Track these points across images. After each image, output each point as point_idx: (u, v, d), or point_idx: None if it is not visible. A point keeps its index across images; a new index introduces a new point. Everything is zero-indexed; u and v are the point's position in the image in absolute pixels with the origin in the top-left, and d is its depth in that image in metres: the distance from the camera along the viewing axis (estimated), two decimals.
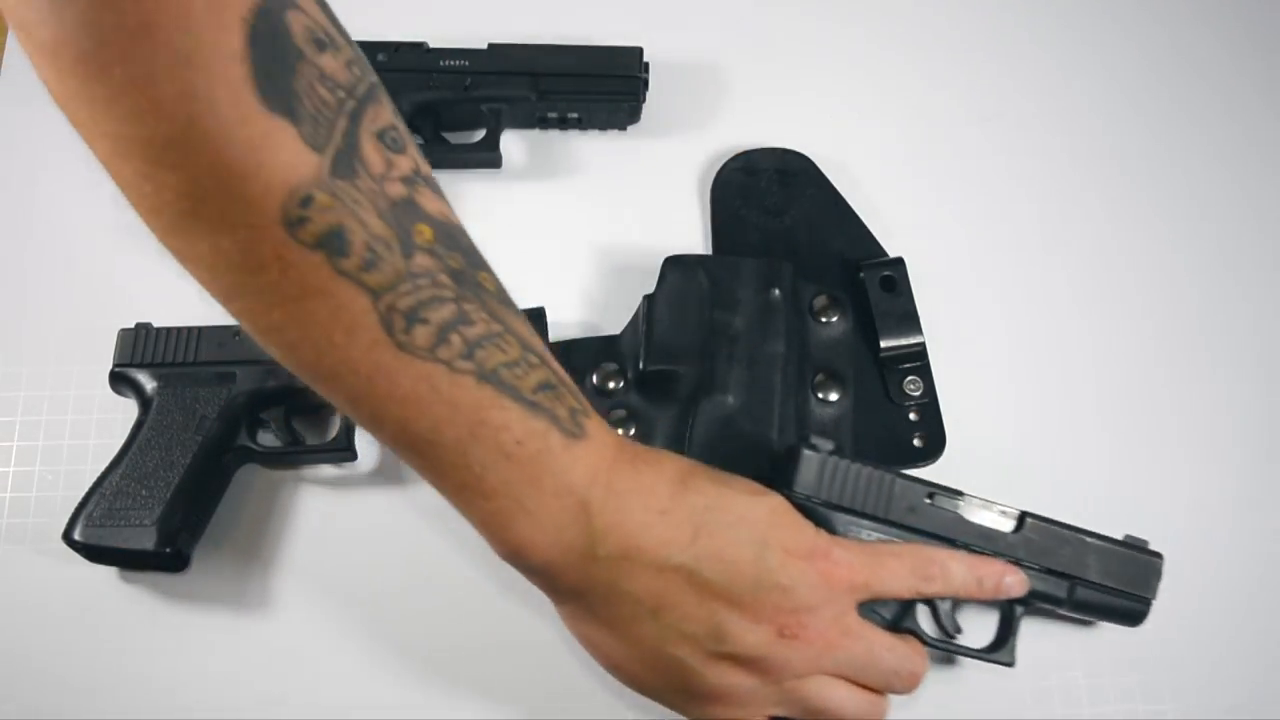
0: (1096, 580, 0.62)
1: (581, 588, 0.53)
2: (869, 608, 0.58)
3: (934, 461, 0.69)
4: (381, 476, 0.69)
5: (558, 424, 0.51)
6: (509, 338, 0.50)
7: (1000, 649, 0.62)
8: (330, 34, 0.46)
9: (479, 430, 0.49)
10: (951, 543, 0.61)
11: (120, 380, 0.67)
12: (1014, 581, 0.60)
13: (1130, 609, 0.63)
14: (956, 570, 0.59)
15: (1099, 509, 0.66)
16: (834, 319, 0.71)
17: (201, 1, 0.41)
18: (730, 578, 0.53)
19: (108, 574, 0.66)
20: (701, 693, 0.55)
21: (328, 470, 0.69)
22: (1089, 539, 0.63)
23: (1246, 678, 0.66)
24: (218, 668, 0.64)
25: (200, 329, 0.68)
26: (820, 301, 0.71)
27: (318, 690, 0.64)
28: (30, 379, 0.71)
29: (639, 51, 0.76)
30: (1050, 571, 0.62)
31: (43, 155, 0.77)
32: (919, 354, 0.71)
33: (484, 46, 0.76)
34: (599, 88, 0.76)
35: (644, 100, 0.77)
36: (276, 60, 0.43)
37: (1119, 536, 0.64)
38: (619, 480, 0.52)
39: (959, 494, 0.62)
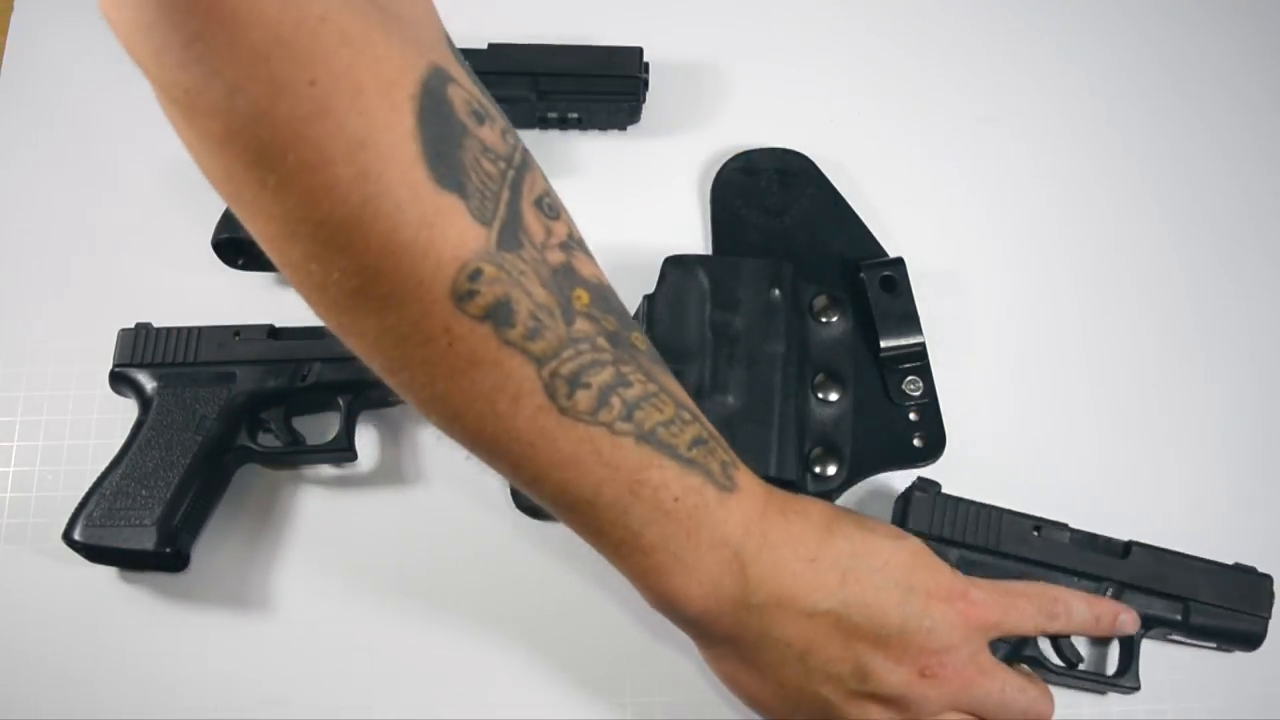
0: (1210, 601, 0.63)
1: (733, 634, 0.54)
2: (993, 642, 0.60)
3: (934, 461, 0.69)
4: (381, 476, 0.69)
5: (711, 478, 0.52)
6: (664, 397, 0.51)
7: (1124, 674, 0.63)
8: (485, 106, 0.47)
9: (638, 489, 0.50)
10: (1063, 570, 0.63)
11: (120, 380, 0.67)
12: (1128, 619, 0.62)
13: (1247, 630, 0.63)
14: (1078, 608, 0.60)
15: (1099, 509, 0.66)
16: (834, 319, 0.71)
17: (373, 83, 0.41)
18: (876, 621, 0.54)
19: (108, 574, 0.66)
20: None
21: (328, 470, 0.69)
22: (1196, 562, 0.64)
23: (1246, 678, 0.65)
24: (218, 668, 0.64)
25: (200, 329, 0.68)
26: (820, 301, 0.71)
27: (318, 690, 0.64)
28: (30, 379, 0.71)
29: (639, 51, 0.76)
30: (1163, 595, 0.63)
31: (43, 155, 0.77)
32: (919, 354, 0.71)
33: (484, 46, 0.76)
34: (599, 88, 0.76)
35: (644, 100, 0.77)
36: (444, 137, 0.43)
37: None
38: (771, 531, 0.54)
39: (1064, 526, 0.64)
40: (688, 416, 0.52)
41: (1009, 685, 0.58)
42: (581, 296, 0.49)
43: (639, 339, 0.52)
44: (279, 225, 0.43)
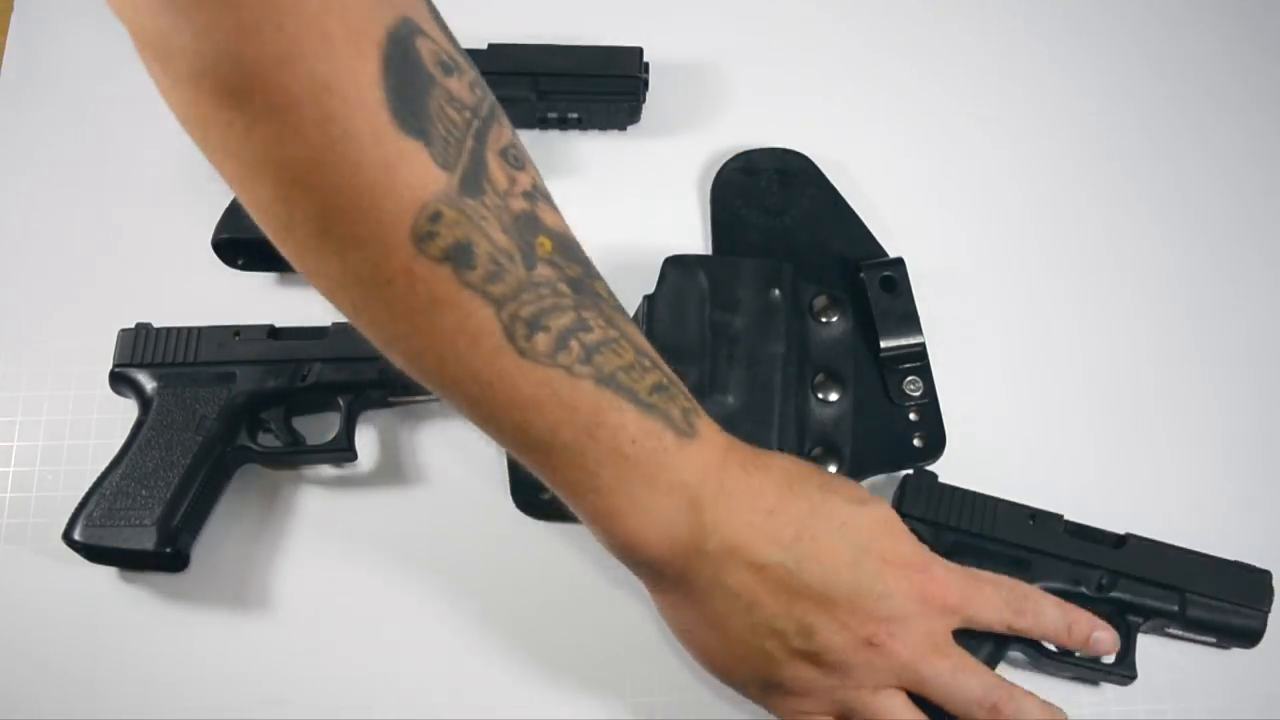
0: (1207, 593, 0.63)
1: (684, 580, 0.54)
2: (969, 639, 0.59)
3: (934, 461, 0.69)
4: (381, 476, 0.69)
5: (671, 424, 0.52)
6: (624, 343, 0.52)
7: (1121, 663, 0.63)
8: (455, 58, 0.48)
9: (596, 431, 0.50)
10: (1056, 557, 0.63)
11: (120, 380, 0.67)
12: (1105, 638, 0.60)
13: (1246, 625, 0.63)
14: (1049, 611, 0.60)
15: (1098, 508, 0.66)
16: (834, 319, 0.71)
17: (340, 30, 0.42)
18: (826, 580, 0.54)
19: (108, 574, 0.66)
20: (777, 684, 0.56)
21: (328, 470, 0.69)
22: (1194, 555, 0.64)
23: (1246, 678, 0.65)
24: (218, 668, 0.64)
25: (200, 329, 0.68)
26: (820, 301, 0.71)
27: (318, 690, 0.64)
28: (30, 379, 0.71)
29: (639, 51, 0.76)
30: (1159, 585, 0.63)
31: (43, 155, 0.77)
32: (919, 354, 0.71)
33: (484, 46, 0.76)
34: (599, 88, 0.76)
35: (644, 100, 0.77)
36: (409, 85, 0.44)
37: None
38: (729, 480, 0.54)
39: (1059, 517, 0.65)
40: (648, 363, 0.53)
41: (963, 669, 0.56)
42: (544, 244, 0.49)
43: (601, 287, 0.52)
44: (247, 166, 0.45)
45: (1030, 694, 0.58)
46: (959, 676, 0.56)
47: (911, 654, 0.55)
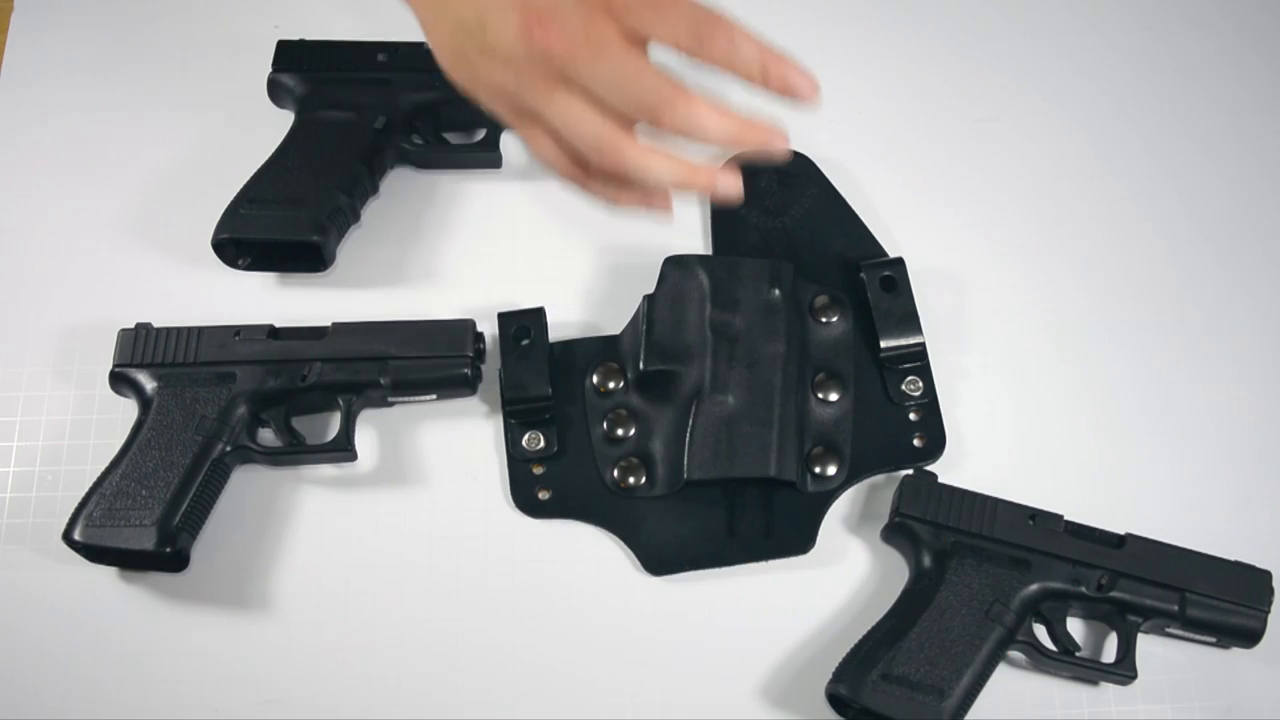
0: (1207, 593, 0.63)
1: None
2: (984, 612, 0.61)
3: (934, 461, 0.69)
4: (381, 476, 0.69)
5: None
6: None
7: (1121, 663, 0.63)
8: None
9: None
10: (1057, 557, 0.63)
11: (120, 380, 0.67)
12: (802, 82, 0.58)
13: (1246, 625, 0.63)
14: (744, 45, 0.57)
15: (1099, 508, 0.66)
16: (834, 319, 0.71)
17: None
18: None
19: (108, 574, 0.66)
20: (483, 88, 0.58)
21: (328, 470, 0.69)
22: (1194, 555, 0.64)
23: (1246, 678, 0.65)
24: (218, 668, 0.64)
25: (200, 329, 0.68)
26: (820, 301, 0.71)
27: (318, 690, 0.64)
28: (30, 379, 0.71)
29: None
30: (1159, 584, 0.63)
31: (43, 155, 0.77)
32: (919, 354, 0.71)
33: None
34: None
35: None
36: None
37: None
38: None
39: (1059, 517, 0.65)
40: None
41: (628, 64, 0.54)
42: None
43: None
44: None
45: (706, 100, 0.56)
46: (620, 75, 0.55)
47: (566, 47, 0.54)
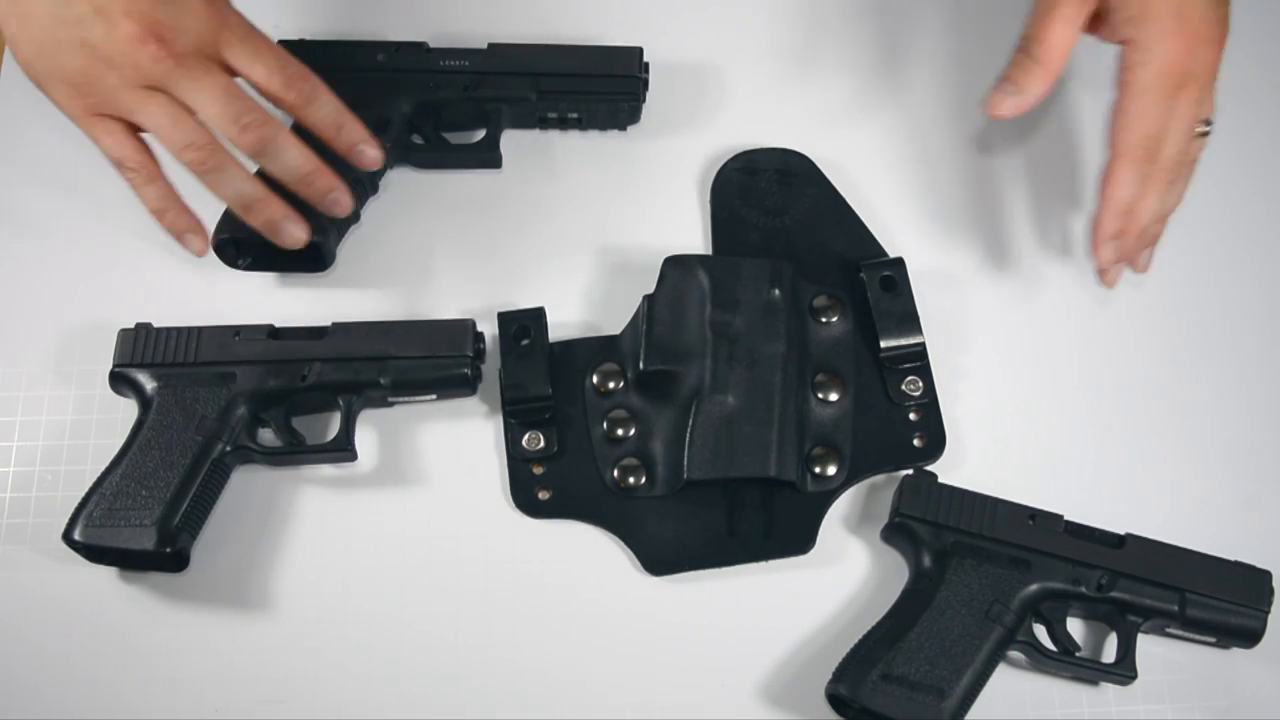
0: (1207, 593, 0.63)
1: None
2: (984, 612, 0.61)
3: (934, 461, 0.69)
4: (381, 476, 0.69)
5: None
6: None
7: (1121, 663, 0.63)
8: None
9: None
10: (1058, 558, 0.63)
11: (120, 380, 0.67)
12: (371, 154, 0.66)
13: (1246, 625, 0.63)
14: (326, 101, 0.65)
15: (1098, 508, 0.66)
16: (834, 319, 0.71)
17: None
18: None
19: (108, 574, 0.66)
20: (63, 77, 0.62)
21: (328, 470, 0.69)
22: (1193, 555, 0.64)
23: (1246, 678, 0.66)
24: (218, 668, 0.64)
25: (200, 329, 0.68)
26: (820, 301, 0.71)
27: (318, 690, 0.64)
28: (30, 379, 0.71)
29: (639, 51, 0.76)
30: (1159, 585, 0.63)
31: (43, 155, 0.77)
32: (919, 354, 0.71)
33: (484, 46, 0.76)
34: (598, 88, 0.76)
35: (644, 100, 0.77)
36: None
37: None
38: None
39: (1059, 517, 0.65)
40: None
41: (229, 88, 0.62)
42: None
43: None
44: None
45: (290, 135, 0.64)
46: (218, 94, 0.62)
47: (174, 64, 0.61)
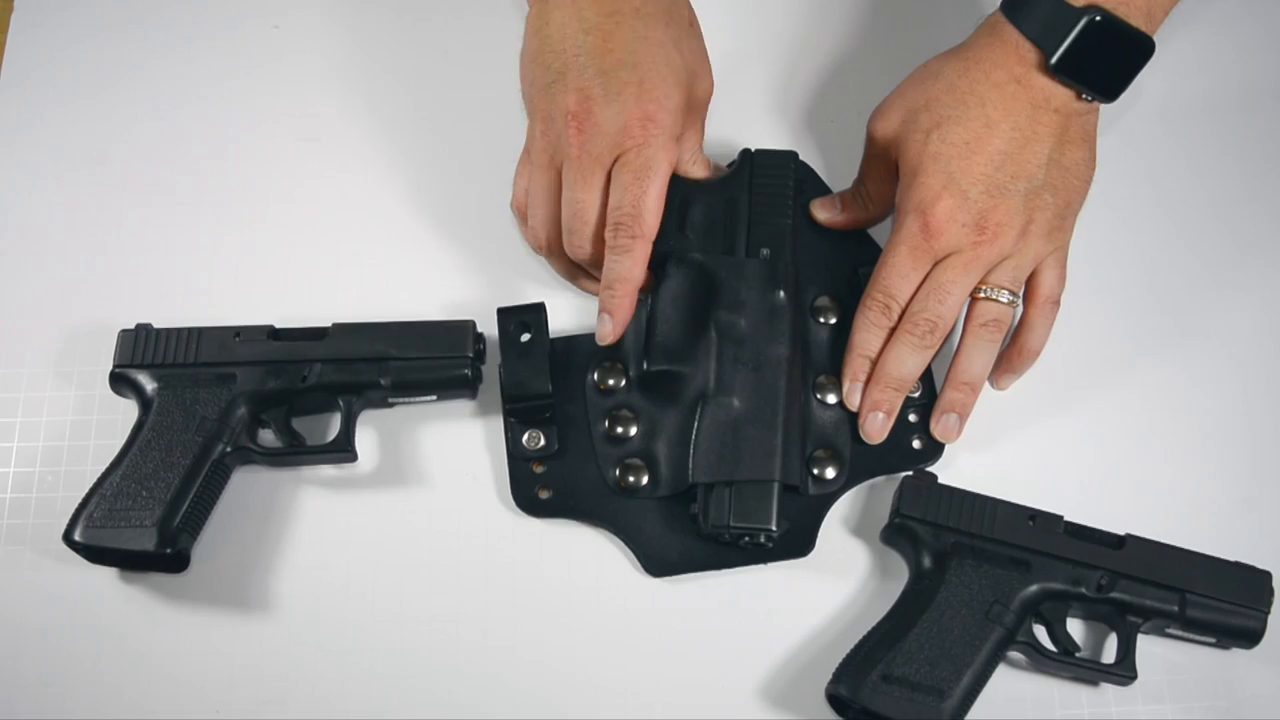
0: (1207, 594, 0.63)
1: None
2: (984, 613, 0.62)
3: (933, 463, 0.69)
4: (381, 477, 0.69)
5: None
6: None
7: (1121, 664, 0.63)
8: None
9: None
10: (1058, 559, 0.64)
11: (120, 381, 0.67)
12: (604, 330, 0.67)
13: (1246, 625, 0.63)
14: (628, 264, 0.66)
15: (1098, 509, 0.66)
16: (834, 320, 0.71)
17: None
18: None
19: (108, 574, 0.66)
20: (527, 100, 0.69)
21: (328, 470, 0.69)
22: (1193, 555, 0.64)
23: (1246, 678, 0.66)
24: (218, 668, 0.64)
25: (200, 330, 0.68)
26: (821, 302, 0.71)
27: (318, 690, 0.64)
28: (30, 379, 0.71)
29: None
30: (1159, 585, 0.63)
31: (42, 155, 0.77)
32: None
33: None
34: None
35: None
36: None
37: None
38: None
39: (1059, 517, 0.65)
40: None
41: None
42: None
43: None
44: None
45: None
46: (589, 190, 0.66)
47: (579, 150, 0.65)
